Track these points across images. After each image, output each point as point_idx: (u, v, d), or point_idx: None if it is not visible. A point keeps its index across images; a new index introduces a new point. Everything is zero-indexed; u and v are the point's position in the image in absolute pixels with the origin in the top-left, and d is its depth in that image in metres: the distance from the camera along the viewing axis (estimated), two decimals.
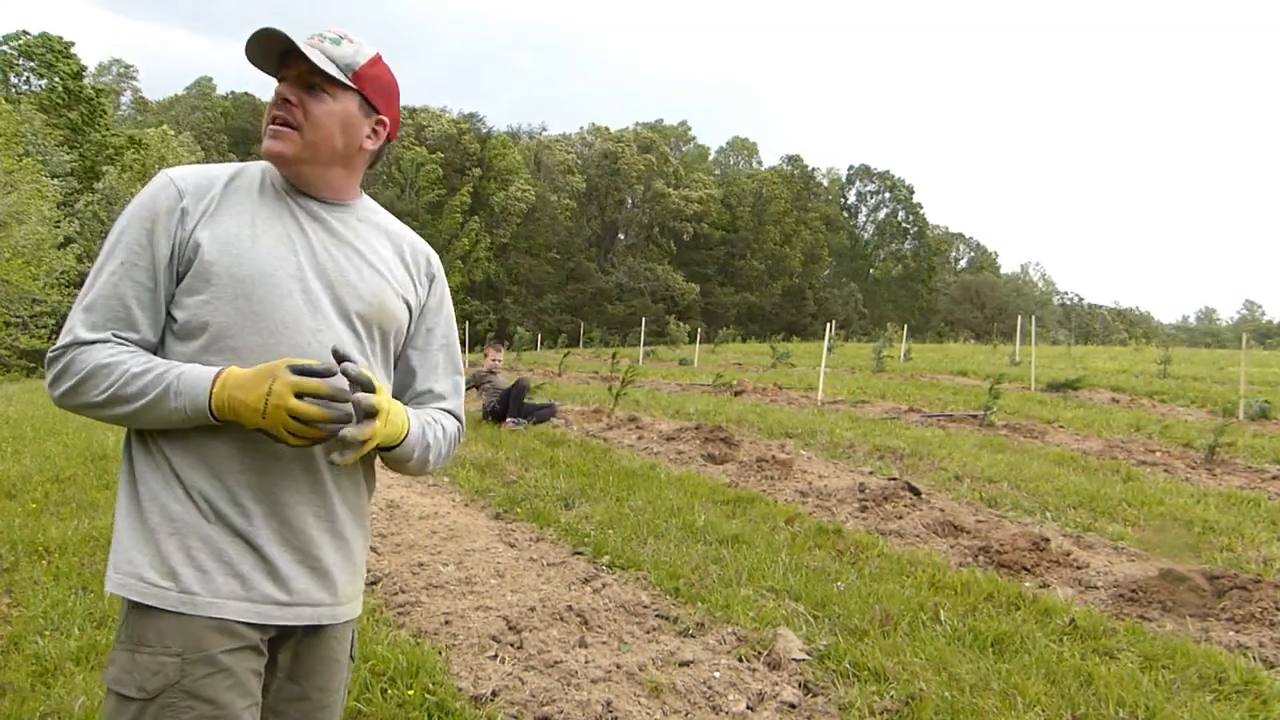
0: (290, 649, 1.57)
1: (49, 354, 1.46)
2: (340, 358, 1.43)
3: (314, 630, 1.58)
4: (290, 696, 1.58)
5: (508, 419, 9.94)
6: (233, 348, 1.47)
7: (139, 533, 1.46)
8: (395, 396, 1.66)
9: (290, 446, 1.42)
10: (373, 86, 1.58)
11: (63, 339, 1.46)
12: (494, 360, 11.18)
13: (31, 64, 38.72)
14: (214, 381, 1.42)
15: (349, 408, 1.43)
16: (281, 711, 1.58)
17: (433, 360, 1.72)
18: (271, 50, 1.52)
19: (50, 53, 38.27)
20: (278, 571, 1.50)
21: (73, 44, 39.02)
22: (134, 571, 1.44)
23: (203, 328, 1.47)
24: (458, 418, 1.73)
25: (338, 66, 1.53)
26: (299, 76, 1.53)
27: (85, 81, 39.93)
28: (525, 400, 10.19)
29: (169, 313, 1.50)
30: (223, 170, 1.57)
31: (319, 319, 1.52)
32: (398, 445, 1.53)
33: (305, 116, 1.52)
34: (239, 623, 1.46)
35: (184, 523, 1.45)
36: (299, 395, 1.38)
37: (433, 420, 1.65)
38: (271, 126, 1.53)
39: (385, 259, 1.65)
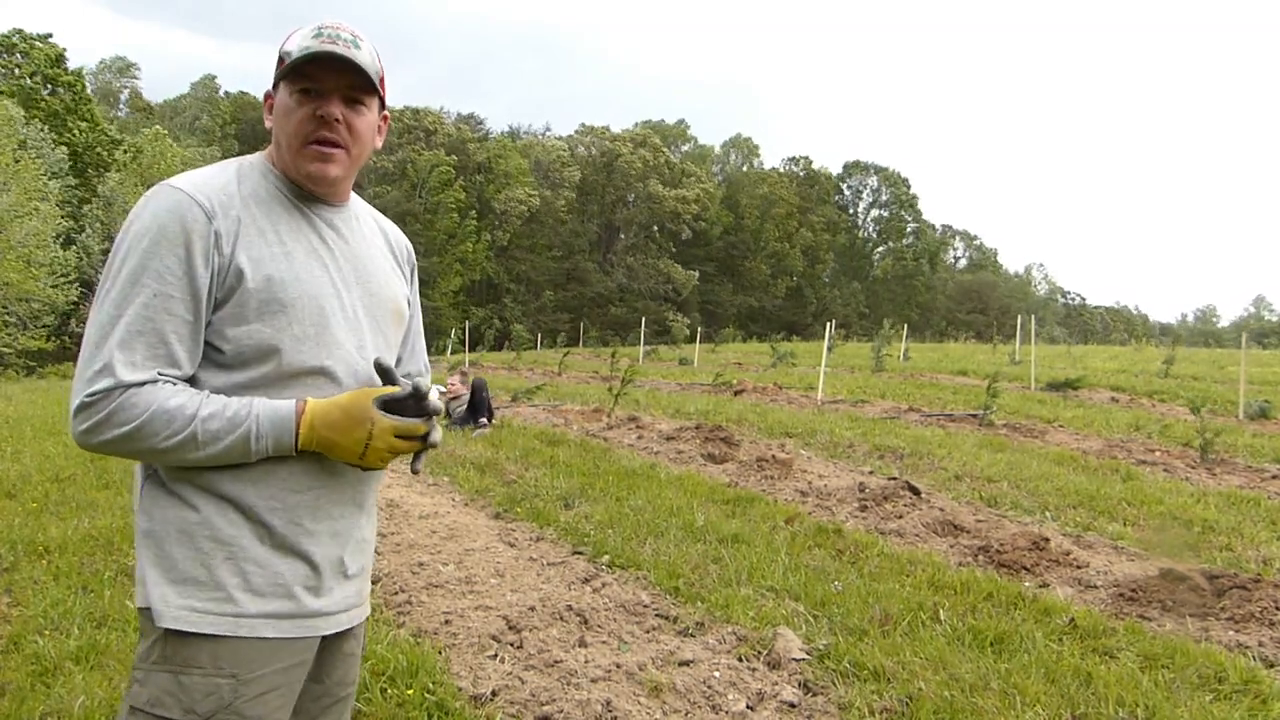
0: (319, 652, 1.58)
1: (84, 397, 1.34)
2: (384, 370, 1.48)
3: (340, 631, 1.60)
4: (314, 695, 1.60)
5: (482, 421, 9.88)
6: (287, 374, 1.44)
7: (189, 559, 1.41)
8: None
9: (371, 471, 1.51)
10: (383, 85, 1.55)
11: (100, 382, 1.34)
12: (457, 388, 10.91)
13: (16, 60, 38.50)
14: (298, 422, 1.41)
15: (434, 428, 1.51)
16: (302, 709, 1.59)
17: (411, 344, 1.77)
18: (322, 65, 1.45)
19: (24, 41, 38.06)
20: (323, 586, 1.51)
21: (49, 35, 38.74)
22: (188, 603, 1.40)
23: (255, 358, 1.43)
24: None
25: (372, 75, 1.49)
26: (341, 90, 1.47)
27: (65, 67, 39.56)
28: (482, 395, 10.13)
29: (209, 343, 1.43)
30: (228, 177, 1.49)
31: (360, 334, 1.54)
32: None
33: (350, 134, 1.49)
34: (292, 639, 1.47)
35: (239, 546, 1.42)
36: (397, 435, 1.44)
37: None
38: (318, 148, 1.47)
39: (385, 259, 1.66)
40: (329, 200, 1.56)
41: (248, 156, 1.56)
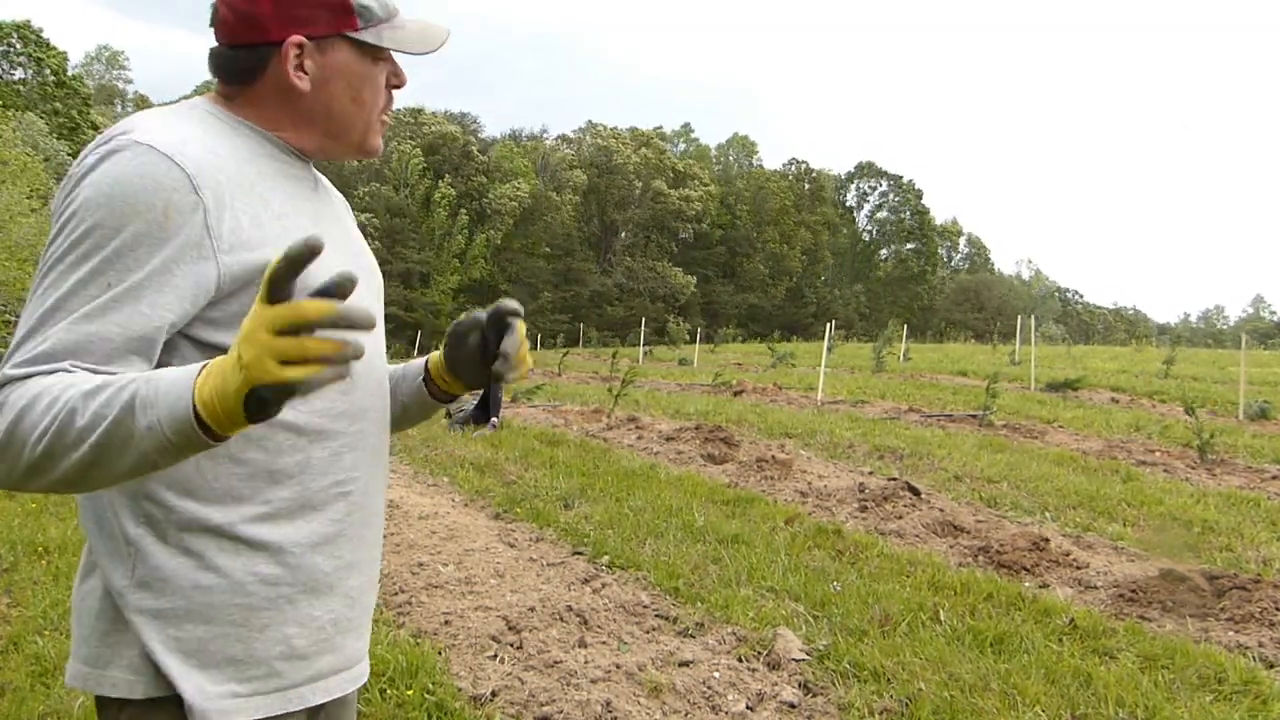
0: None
1: None
2: (504, 312, 1.27)
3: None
4: None
5: (493, 421, 9.88)
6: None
7: (219, 635, 1.11)
8: None
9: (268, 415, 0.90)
10: None
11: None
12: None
13: (21, 56, 38.68)
14: (199, 374, 0.93)
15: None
16: None
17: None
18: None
19: (28, 43, 38.26)
20: (358, 620, 1.26)
21: (42, 29, 39.00)
22: (227, 688, 1.12)
23: None
24: None
25: None
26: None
27: (72, 73, 39.96)
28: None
29: (201, 341, 1.09)
30: (195, 129, 1.12)
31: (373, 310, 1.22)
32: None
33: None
34: (333, 701, 1.24)
35: (276, 609, 1.14)
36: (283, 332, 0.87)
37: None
38: (387, 119, 1.29)
39: (348, 221, 1.39)
40: (306, 156, 1.27)
41: (191, 102, 1.20)
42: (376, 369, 1.27)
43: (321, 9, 1.16)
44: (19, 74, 38.80)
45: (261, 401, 0.88)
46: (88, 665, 1.13)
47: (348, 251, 1.27)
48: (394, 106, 1.30)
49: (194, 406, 0.90)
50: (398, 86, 1.26)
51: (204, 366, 0.93)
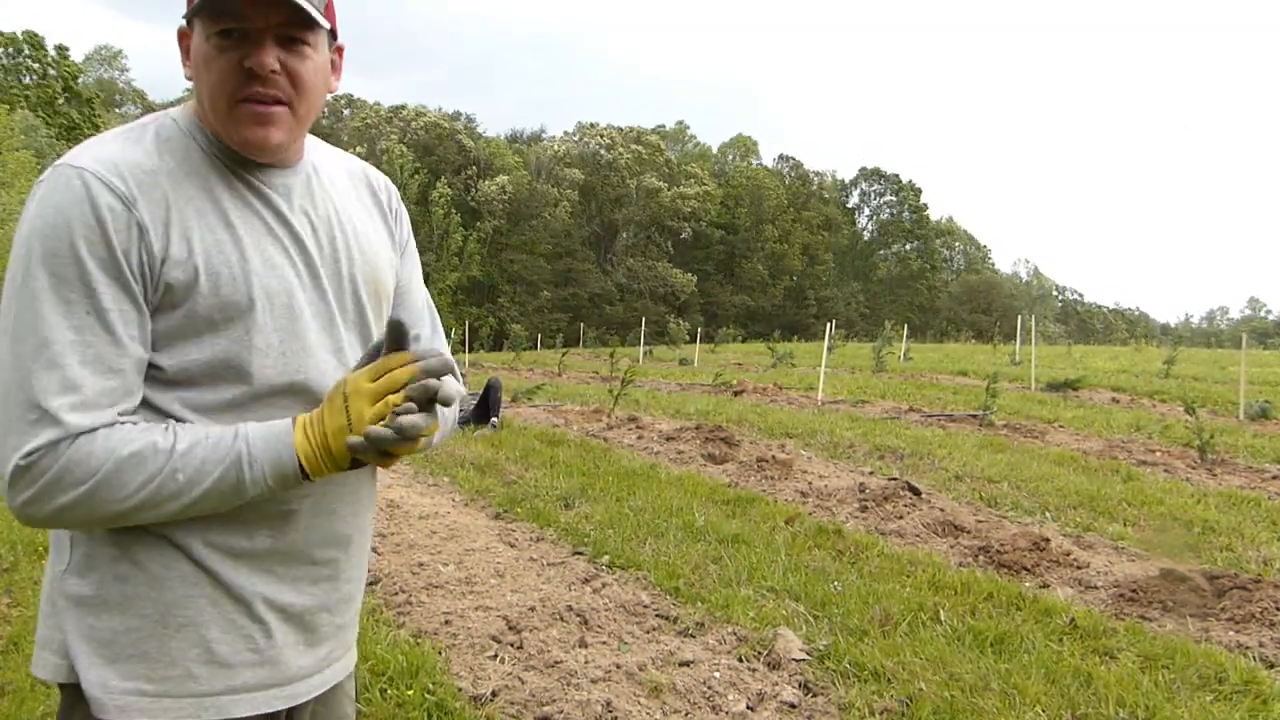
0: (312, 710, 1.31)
1: (19, 459, 1.01)
2: (396, 328, 1.13)
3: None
4: None
5: (493, 421, 9.90)
6: (250, 397, 1.13)
7: (134, 629, 1.11)
8: None
9: (387, 464, 1.12)
10: (331, 12, 1.20)
11: (39, 435, 1.01)
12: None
13: (34, 63, 39.10)
14: (294, 433, 1.09)
15: (425, 358, 1.12)
16: None
17: (412, 305, 1.40)
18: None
19: (36, 49, 38.67)
20: (310, 635, 1.24)
21: (52, 42, 39.64)
22: (134, 685, 1.11)
23: (206, 378, 1.11)
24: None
25: (314, 4, 1.13)
26: (273, 29, 1.10)
27: (81, 82, 40.45)
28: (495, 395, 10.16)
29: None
30: (148, 147, 1.13)
31: (335, 333, 1.22)
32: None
33: (294, 84, 1.14)
34: (266, 714, 1.21)
35: (195, 609, 1.14)
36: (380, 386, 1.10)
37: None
38: (253, 108, 1.11)
39: (364, 222, 1.31)
40: (279, 164, 1.21)
41: (168, 112, 1.20)
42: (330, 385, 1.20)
43: None
44: (27, 79, 39.19)
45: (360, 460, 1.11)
46: (37, 645, 1.16)
47: (318, 261, 1.21)
48: (291, 98, 1.15)
49: (300, 462, 1.09)
50: (255, 70, 1.10)
51: (297, 424, 1.11)
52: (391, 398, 1.08)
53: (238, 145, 1.15)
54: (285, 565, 1.19)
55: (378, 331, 1.28)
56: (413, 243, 1.43)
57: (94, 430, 1.03)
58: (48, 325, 1.03)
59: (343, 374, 1.17)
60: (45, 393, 1.02)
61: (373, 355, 1.15)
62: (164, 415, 1.11)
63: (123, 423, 1.06)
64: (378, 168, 1.51)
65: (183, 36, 1.16)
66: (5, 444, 1.03)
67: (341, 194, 1.29)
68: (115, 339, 1.06)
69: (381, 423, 1.07)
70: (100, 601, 1.11)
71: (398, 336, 1.11)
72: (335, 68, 1.24)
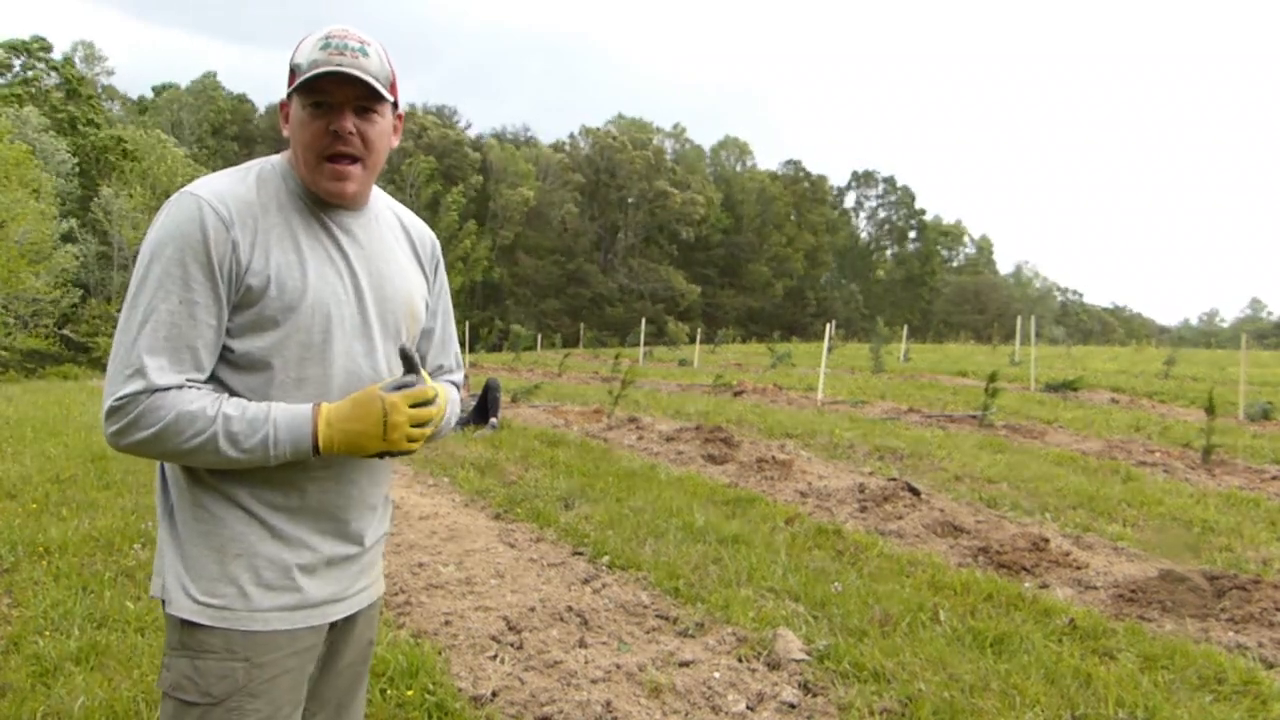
0: (330, 635, 1.63)
1: (114, 400, 1.38)
2: (406, 355, 1.50)
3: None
4: (327, 676, 1.66)
5: (493, 422, 9.89)
6: (295, 379, 1.48)
7: (206, 556, 1.48)
8: None
9: (401, 456, 1.51)
10: (394, 89, 1.54)
11: (130, 385, 1.38)
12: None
13: (40, 65, 39.31)
14: (315, 422, 1.43)
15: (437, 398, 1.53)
16: (317, 694, 1.64)
17: (440, 339, 1.79)
18: (332, 79, 1.45)
19: (44, 51, 38.90)
20: (337, 573, 1.58)
21: (85, 56, 40.05)
22: (204, 598, 1.47)
23: (264, 363, 1.47)
24: (459, 385, 1.86)
25: (381, 83, 1.48)
26: (351, 102, 1.47)
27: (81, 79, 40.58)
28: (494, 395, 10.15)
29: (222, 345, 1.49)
30: (250, 185, 1.51)
31: (369, 342, 1.56)
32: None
33: (365, 144, 1.49)
34: (304, 629, 1.54)
35: (247, 543, 1.48)
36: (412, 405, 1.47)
37: (446, 385, 1.75)
38: (334, 166, 1.48)
39: (404, 262, 1.67)
40: (348, 207, 1.57)
41: (269, 159, 1.57)
42: (364, 380, 1.55)
43: (290, 77, 1.50)
44: (32, 75, 39.40)
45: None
46: (153, 574, 1.57)
47: (364, 285, 1.56)
48: (356, 148, 1.50)
49: (315, 441, 1.43)
50: (338, 132, 1.47)
51: (317, 414, 1.44)
52: (414, 429, 1.48)
53: (322, 194, 1.52)
54: (315, 520, 1.54)
55: (405, 335, 1.64)
56: (446, 286, 1.82)
57: (168, 389, 1.39)
58: (151, 306, 1.40)
59: (370, 372, 1.55)
60: (140, 354, 1.39)
61: (403, 373, 1.51)
62: (224, 387, 1.47)
63: (191, 387, 1.41)
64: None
65: (283, 106, 1.54)
66: (110, 387, 1.41)
67: (387, 237, 1.64)
68: (196, 323, 1.41)
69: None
70: (186, 535, 1.49)
71: (406, 361, 1.49)
72: (396, 129, 1.59)
